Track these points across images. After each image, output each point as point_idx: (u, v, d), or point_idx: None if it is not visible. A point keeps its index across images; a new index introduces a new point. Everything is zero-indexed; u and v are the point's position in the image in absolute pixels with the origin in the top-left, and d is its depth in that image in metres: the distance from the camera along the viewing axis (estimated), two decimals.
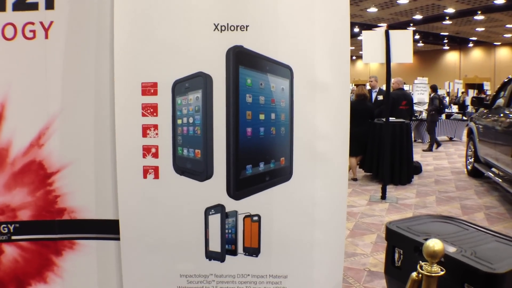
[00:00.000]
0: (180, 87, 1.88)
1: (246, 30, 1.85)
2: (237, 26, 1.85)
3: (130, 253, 2.01)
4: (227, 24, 1.85)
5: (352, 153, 8.16)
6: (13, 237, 2.09)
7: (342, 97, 1.96)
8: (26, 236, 2.10)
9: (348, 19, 1.93)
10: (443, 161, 10.51)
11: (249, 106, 1.85)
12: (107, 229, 2.08)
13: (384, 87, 8.22)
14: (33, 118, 2.02)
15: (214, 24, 1.85)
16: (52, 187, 2.07)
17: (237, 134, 1.85)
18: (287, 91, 1.89)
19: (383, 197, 6.80)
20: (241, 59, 1.83)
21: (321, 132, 1.93)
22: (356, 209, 6.30)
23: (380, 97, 9.11)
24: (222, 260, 1.98)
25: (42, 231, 2.11)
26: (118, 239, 2.03)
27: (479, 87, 25.90)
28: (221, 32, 1.85)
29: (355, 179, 8.18)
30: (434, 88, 13.03)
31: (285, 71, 1.87)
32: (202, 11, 1.87)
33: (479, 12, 20.45)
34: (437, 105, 12.13)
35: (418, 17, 22.48)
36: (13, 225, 2.09)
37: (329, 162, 1.96)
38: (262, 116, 1.87)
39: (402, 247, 2.19)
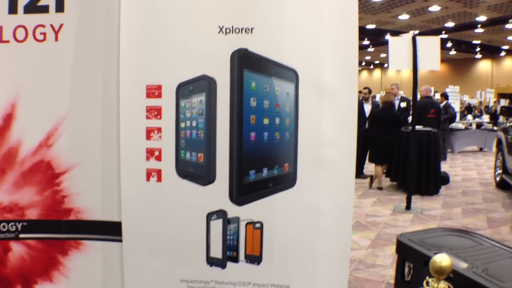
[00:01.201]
0: (184, 90, 1.87)
1: (251, 32, 1.82)
2: (242, 29, 1.82)
3: (132, 256, 2.01)
4: (232, 26, 1.83)
5: (378, 161, 8.06)
6: (21, 235, 2.12)
7: (349, 102, 1.91)
8: (33, 234, 2.13)
9: (356, 23, 1.88)
10: (471, 172, 10.24)
11: (253, 110, 1.82)
12: (112, 230, 2.08)
13: (405, 94, 8.10)
14: (42, 119, 2.05)
15: (219, 26, 1.83)
16: (60, 187, 2.09)
17: (241, 139, 1.82)
18: (292, 95, 1.86)
19: (408, 207, 6.66)
20: (245, 62, 1.81)
21: (326, 138, 1.88)
22: (380, 219, 6.18)
23: (404, 104, 8.96)
24: (223, 266, 1.95)
25: (49, 230, 2.13)
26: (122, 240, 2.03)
27: (511, 97, 25.25)
28: (225, 34, 1.83)
29: (380, 188, 8.05)
30: (445, 96, 12.72)
31: (290, 74, 1.84)
32: (206, 14, 1.85)
33: (511, 21, 19.97)
34: (452, 114, 11.86)
35: (450, 24, 22.07)
36: (21, 224, 2.11)
37: (335, 169, 1.91)
38: (266, 121, 1.84)
39: (412, 261, 2.11)
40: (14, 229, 2.11)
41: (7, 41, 2.00)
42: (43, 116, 2.04)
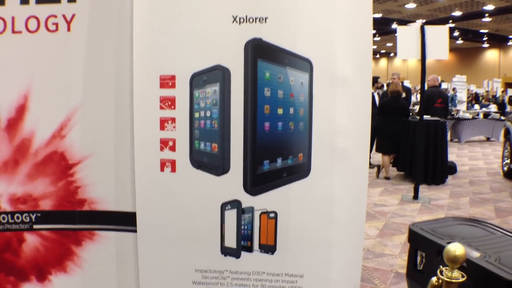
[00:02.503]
0: (198, 80, 1.86)
1: (265, 22, 1.81)
2: (256, 18, 1.81)
3: (146, 246, 2.02)
4: (246, 16, 1.81)
5: (385, 151, 8.06)
6: (35, 226, 2.13)
7: (363, 92, 1.90)
8: (47, 225, 2.13)
9: (370, 12, 1.87)
10: (479, 162, 10.22)
11: (267, 100, 1.81)
12: (126, 221, 2.08)
13: (406, 83, 8.08)
14: (55, 110, 2.04)
15: (233, 16, 1.82)
16: (73, 178, 2.10)
17: (255, 129, 1.82)
18: (306, 85, 1.85)
19: (415, 197, 6.67)
20: (259, 52, 1.79)
21: (341, 128, 1.88)
22: (387, 209, 6.19)
23: (403, 94, 8.95)
24: (237, 256, 1.95)
25: (63, 221, 2.13)
26: (136, 231, 2.04)
27: None
28: (239, 24, 1.82)
29: (387, 178, 8.06)
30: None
31: (304, 64, 1.82)
32: (220, 3, 1.84)
33: None
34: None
35: (457, 13, 21.90)
36: (35, 214, 2.12)
37: (349, 159, 1.90)
38: (280, 111, 1.83)
39: (424, 250, 2.11)
40: (28, 220, 2.12)
41: (19, 32, 1.99)
42: (56, 107, 2.04)
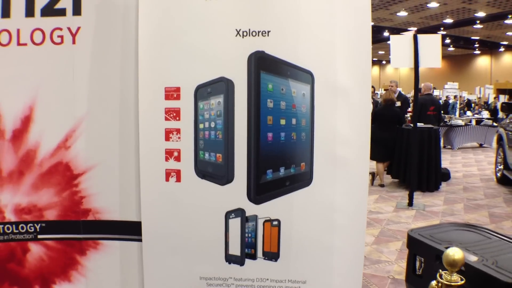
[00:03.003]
0: (203, 91, 1.91)
1: (268, 35, 1.86)
2: (258, 32, 1.86)
3: (152, 254, 2.04)
4: (249, 29, 1.86)
5: (379, 159, 8.10)
6: (39, 236, 2.14)
7: (363, 101, 1.95)
8: (52, 235, 2.15)
9: (369, 24, 1.92)
10: (472, 168, 10.30)
11: (270, 111, 1.86)
12: (130, 230, 2.11)
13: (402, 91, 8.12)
14: (60, 121, 2.07)
15: (236, 29, 1.87)
16: (78, 188, 2.12)
17: (258, 139, 1.86)
18: (308, 96, 1.90)
19: (410, 204, 6.72)
20: (262, 65, 1.84)
21: (341, 137, 1.93)
22: (382, 216, 6.24)
23: (398, 103, 9.00)
24: (241, 263, 1.99)
25: (68, 231, 2.15)
26: (141, 240, 2.07)
27: (510, 93, 25.33)
28: (243, 37, 1.87)
29: (382, 185, 8.10)
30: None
31: (306, 76, 1.88)
32: (224, 17, 1.89)
33: (510, 16, 20.02)
34: None
35: (448, 21, 22.12)
36: (39, 225, 2.13)
37: (350, 167, 1.95)
38: (283, 121, 1.88)
39: (423, 255, 2.16)
40: (32, 230, 2.13)
41: (25, 44, 2.02)
42: (61, 118, 2.07)
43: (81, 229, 2.14)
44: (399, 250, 4.87)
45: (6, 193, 2.10)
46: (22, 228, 2.13)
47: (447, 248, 1.72)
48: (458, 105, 16.03)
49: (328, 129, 1.92)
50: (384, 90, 9.72)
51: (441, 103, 13.84)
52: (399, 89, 10.28)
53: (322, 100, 1.90)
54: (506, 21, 21.47)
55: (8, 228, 2.12)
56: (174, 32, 1.92)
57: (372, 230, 5.57)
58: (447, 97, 17.33)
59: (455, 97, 17.30)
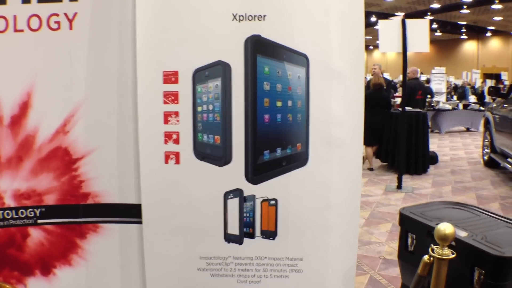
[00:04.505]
0: (200, 75, 1.94)
1: (264, 19, 1.89)
2: (255, 16, 1.89)
3: (152, 236, 2.08)
4: (245, 14, 1.89)
5: (368, 143, 8.17)
6: (39, 221, 2.16)
7: (356, 84, 2.00)
8: (51, 220, 2.17)
9: (362, 7, 1.96)
10: (459, 151, 10.44)
11: (266, 94, 1.90)
12: (130, 213, 2.14)
13: (386, 76, 8.14)
14: (58, 106, 2.08)
15: (233, 14, 1.90)
16: (77, 173, 2.14)
17: (255, 121, 1.90)
18: (303, 78, 1.94)
19: (399, 186, 6.82)
20: (258, 48, 1.88)
21: (336, 119, 1.98)
22: (372, 199, 6.33)
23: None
24: (240, 242, 2.04)
25: (67, 215, 2.17)
26: (140, 222, 2.10)
27: (497, 77, 25.57)
28: (239, 21, 1.90)
29: (371, 169, 8.19)
30: None
31: (301, 59, 1.92)
32: (220, 2, 1.91)
33: (497, 1, 20.12)
34: None
35: (435, 5, 22.19)
36: (39, 209, 2.16)
37: (344, 147, 2.01)
38: (279, 103, 1.92)
39: (415, 232, 2.23)
40: (32, 215, 2.16)
41: (21, 30, 2.02)
42: (59, 103, 2.08)
43: (80, 213, 2.17)
44: (389, 231, 4.96)
45: (5, 178, 2.12)
46: (22, 213, 2.15)
47: (437, 224, 1.79)
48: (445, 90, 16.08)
49: (323, 111, 1.97)
50: (372, 75, 9.70)
51: (433, 89, 13.91)
52: (385, 75, 10.26)
53: (317, 82, 1.95)
54: (493, 6, 21.59)
55: (8, 214, 2.14)
56: (172, 17, 1.94)
57: (363, 213, 5.66)
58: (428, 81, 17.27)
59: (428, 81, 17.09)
